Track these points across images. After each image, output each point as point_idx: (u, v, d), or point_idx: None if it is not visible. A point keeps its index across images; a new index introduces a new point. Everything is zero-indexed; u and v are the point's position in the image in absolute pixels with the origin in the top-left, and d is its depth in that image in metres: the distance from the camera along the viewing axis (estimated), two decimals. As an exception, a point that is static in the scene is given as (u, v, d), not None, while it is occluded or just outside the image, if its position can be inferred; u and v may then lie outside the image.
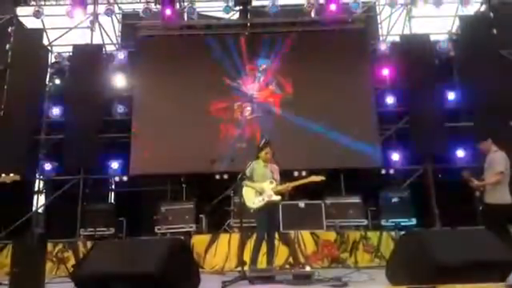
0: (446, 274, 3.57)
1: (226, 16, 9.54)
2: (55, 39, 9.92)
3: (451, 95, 9.16)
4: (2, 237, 8.12)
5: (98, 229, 7.95)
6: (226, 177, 8.64)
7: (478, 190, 5.69)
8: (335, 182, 8.52)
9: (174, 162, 8.85)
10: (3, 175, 5.70)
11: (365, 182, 8.65)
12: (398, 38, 9.74)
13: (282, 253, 6.72)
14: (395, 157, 8.86)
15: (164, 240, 5.92)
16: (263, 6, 9.63)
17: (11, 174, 5.75)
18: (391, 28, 9.89)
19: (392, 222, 7.78)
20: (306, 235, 7.12)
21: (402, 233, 6.68)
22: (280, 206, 6.11)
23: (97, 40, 9.81)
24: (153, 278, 3.54)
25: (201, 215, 8.04)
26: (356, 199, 7.98)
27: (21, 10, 9.97)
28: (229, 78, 9.42)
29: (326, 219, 7.15)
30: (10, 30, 9.45)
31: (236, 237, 7.09)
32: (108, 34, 10.07)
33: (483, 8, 9.58)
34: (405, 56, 9.23)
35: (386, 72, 9.42)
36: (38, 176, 9.34)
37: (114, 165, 8.91)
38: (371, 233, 7.38)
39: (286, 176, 6.43)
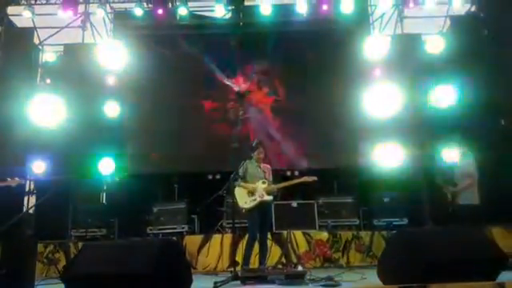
0: (436, 273, 3.58)
1: (219, 16, 9.48)
2: (46, 38, 9.86)
3: (442, 95, 9.15)
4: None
5: (89, 230, 7.88)
6: (218, 177, 8.63)
7: (454, 195, 5.96)
8: (328, 182, 8.52)
9: (166, 162, 8.83)
10: (8, 179, 5.65)
11: (357, 182, 8.65)
12: (389, 38, 9.75)
13: (274, 253, 6.74)
14: (386, 157, 8.84)
15: (155, 240, 5.88)
16: (256, 6, 9.60)
17: (16, 178, 5.71)
18: (383, 28, 9.92)
19: (384, 221, 7.80)
20: (298, 235, 7.13)
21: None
22: (272, 206, 6.13)
23: (88, 39, 9.77)
24: (144, 278, 3.51)
25: (193, 215, 8.01)
26: (348, 199, 8.00)
27: (11, 9, 9.87)
28: (222, 78, 9.42)
29: (318, 219, 7.16)
30: (0, 29, 9.35)
31: (228, 237, 7.10)
32: (100, 33, 10.00)
33: (474, 8, 9.64)
34: (396, 56, 9.24)
35: (377, 72, 9.39)
36: (28, 177, 9.22)
37: (106, 165, 8.81)
38: (363, 232, 7.41)
39: (278, 176, 6.43)
